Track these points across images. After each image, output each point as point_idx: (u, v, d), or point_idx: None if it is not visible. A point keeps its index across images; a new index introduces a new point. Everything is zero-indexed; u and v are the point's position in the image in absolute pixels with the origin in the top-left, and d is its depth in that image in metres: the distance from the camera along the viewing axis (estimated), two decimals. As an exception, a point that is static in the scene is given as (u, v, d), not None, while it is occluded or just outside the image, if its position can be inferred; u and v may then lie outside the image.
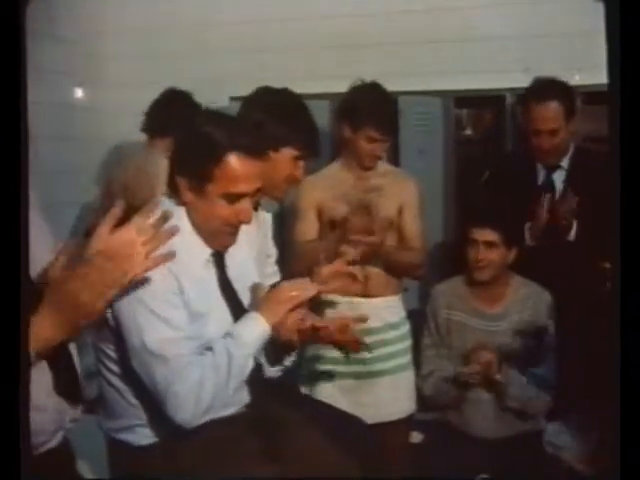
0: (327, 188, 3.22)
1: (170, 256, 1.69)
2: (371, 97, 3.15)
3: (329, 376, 3.22)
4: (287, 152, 2.60)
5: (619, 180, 1.83)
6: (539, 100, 3.32)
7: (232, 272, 2.25)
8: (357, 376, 3.21)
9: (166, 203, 2.14)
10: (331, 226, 3.19)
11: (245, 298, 2.27)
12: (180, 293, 2.04)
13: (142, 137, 3.70)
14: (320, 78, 4.00)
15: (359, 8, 4.09)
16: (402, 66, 4.00)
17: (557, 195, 3.44)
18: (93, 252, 1.60)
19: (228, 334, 2.12)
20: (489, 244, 3.11)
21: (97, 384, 2.19)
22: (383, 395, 3.21)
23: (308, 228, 3.22)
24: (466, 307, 3.20)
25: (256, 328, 2.12)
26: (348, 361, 3.17)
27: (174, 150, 2.15)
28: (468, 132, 4.26)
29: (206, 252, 2.18)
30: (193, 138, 2.11)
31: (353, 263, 3.07)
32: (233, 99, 3.96)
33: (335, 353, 3.16)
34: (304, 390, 3.25)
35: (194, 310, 2.07)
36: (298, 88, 3.68)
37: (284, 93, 2.67)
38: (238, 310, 2.22)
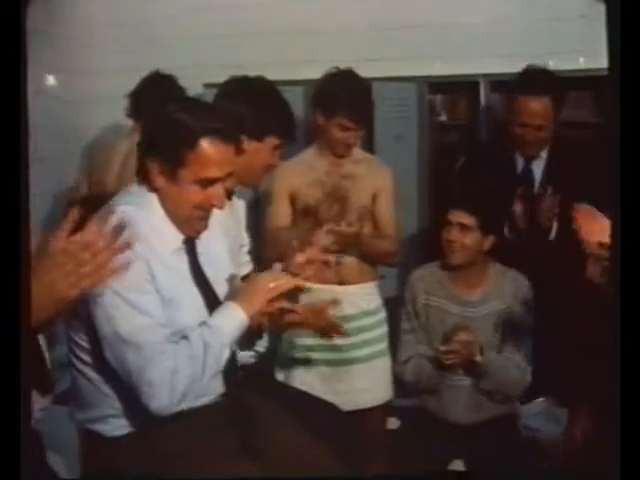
0: (301, 174, 3.20)
1: (127, 266, 1.75)
2: (344, 85, 3.12)
3: (305, 363, 3.21)
4: (269, 141, 2.59)
5: (619, 166, 1.85)
6: (529, 93, 3.27)
7: (204, 260, 2.23)
8: (333, 363, 3.20)
9: (136, 190, 2.12)
10: (305, 212, 3.18)
11: (217, 286, 2.24)
12: (151, 279, 2.02)
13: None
14: (293, 64, 3.97)
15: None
16: (376, 51, 3.97)
17: (536, 185, 3.44)
18: (53, 251, 1.63)
19: (205, 323, 2.10)
20: (463, 226, 3.09)
21: (69, 375, 2.17)
22: (359, 382, 3.20)
23: (281, 214, 3.21)
24: (444, 293, 3.19)
25: (234, 318, 2.11)
26: (323, 348, 3.18)
27: (145, 135, 2.12)
28: (443, 118, 4.25)
29: (178, 239, 2.15)
30: (166, 124, 2.08)
31: (327, 251, 3.08)
32: (207, 86, 3.93)
33: (310, 340, 3.19)
34: (280, 378, 3.24)
35: (166, 297, 2.05)
36: (272, 74, 3.69)
37: (260, 82, 2.64)
38: (211, 298, 2.20)
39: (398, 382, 3.26)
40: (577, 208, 2.58)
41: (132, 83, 3.71)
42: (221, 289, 2.25)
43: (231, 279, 2.28)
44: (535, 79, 3.30)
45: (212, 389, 2.15)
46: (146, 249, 2.01)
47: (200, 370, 2.04)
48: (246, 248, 2.86)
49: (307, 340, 3.20)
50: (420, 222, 4.09)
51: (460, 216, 3.10)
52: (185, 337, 2.06)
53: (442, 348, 3.03)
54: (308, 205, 3.17)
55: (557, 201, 3.20)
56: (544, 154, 3.42)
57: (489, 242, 3.14)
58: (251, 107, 2.55)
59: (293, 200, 3.21)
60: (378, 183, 3.24)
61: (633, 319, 1.81)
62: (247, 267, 2.86)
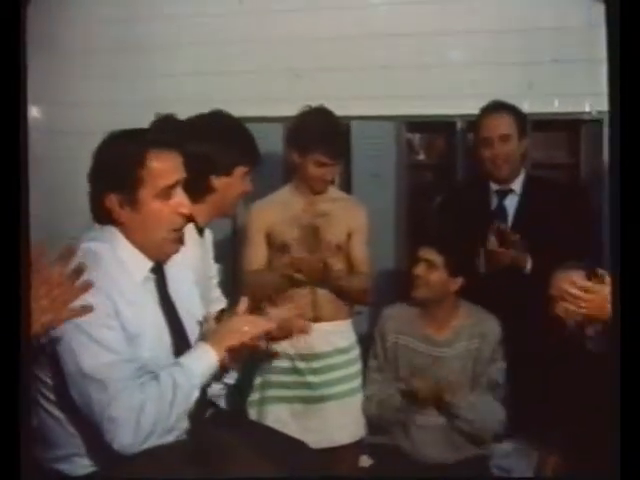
0: (277, 212, 3.23)
1: (86, 310, 1.79)
2: (318, 122, 3.16)
3: (278, 401, 3.22)
4: (239, 171, 2.63)
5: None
6: (491, 111, 3.43)
7: (173, 289, 2.25)
8: (305, 400, 3.22)
9: (97, 230, 2.15)
10: (280, 250, 3.20)
11: (185, 317, 2.25)
12: (116, 315, 2.03)
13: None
14: (272, 101, 4.02)
15: (313, 32, 4.11)
16: (354, 90, 4.01)
17: (510, 221, 3.48)
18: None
19: (176, 363, 2.12)
20: (430, 263, 3.12)
21: (35, 414, 2.16)
22: (331, 420, 3.21)
23: (257, 254, 3.23)
24: (414, 332, 3.21)
25: (205, 360, 2.12)
26: (296, 385, 3.21)
27: (94, 176, 2.15)
28: (420, 157, 4.28)
29: (146, 268, 2.17)
30: (108, 156, 2.14)
31: (300, 284, 3.12)
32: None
33: (284, 377, 3.21)
34: (253, 414, 3.24)
35: (131, 332, 2.06)
36: (250, 111, 3.74)
37: (219, 116, 2.68)
38: (178, 331, 2.21)
39: (368, 419, 3.26)
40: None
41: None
42: (189, 320, 2.26)
43: (206, 319, 2.29)
44: (496, 103, 3.45)
45: (178, 427, 2.15)
46: (110, 284, 2.03)
47: (167, 410, 2.04)
48: (215, 280, 2.88)
49: (281, 377, 3.22)
50: (396, 260, 4.11)
51: (428, 253, 3.14)
52: (155, 376, 2.06)
53: (407, 384, 3.06)
54: (283, 243, 3.20)
55: (518, 240, 3.22)
56: (517, 188, 3.46)
57: (457, 284, 3.16)
58: (214, 144, 2.58)
59: (269, 238, 3.24)
60: (353, 222, 3.27)
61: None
62: (219, 303, 2.87)
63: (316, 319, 3.17)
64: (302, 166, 3.18)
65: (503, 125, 3.40)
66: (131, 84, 4.41)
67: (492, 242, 3.23)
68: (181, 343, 2.21)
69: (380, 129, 4.07)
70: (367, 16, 4.05)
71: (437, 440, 3.16)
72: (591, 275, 2.54)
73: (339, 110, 3.76)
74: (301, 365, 3.20)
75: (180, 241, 2.21)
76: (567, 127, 3.92)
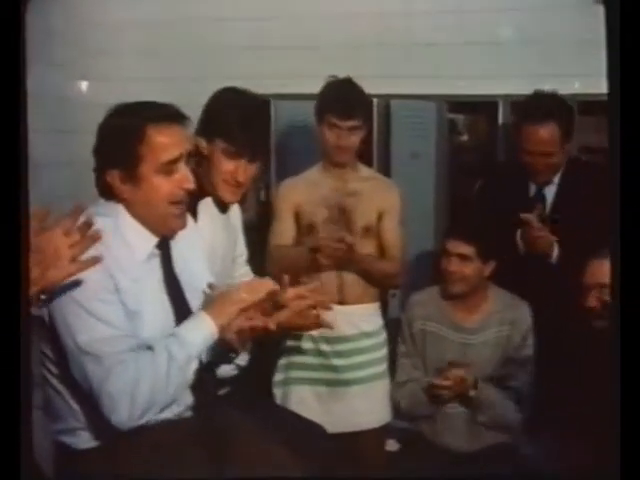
0: (306, 191, 3.17)
1: (95, 260, 1.76)
2: (334, 87, 3.11)
3: (302, 382, 3.18)
4: (218, 144, 2.55)
5: (619, 187, 1.81)
6: (535, 120, 3.19)
7: (179, 267, 2.21)
8: (330, 383, 3.17)
9: (102, 205, 2.12)
10: (309, 230, 3.15)
11: (191, 295, 2.22)
12: (115, 291, 2.01)
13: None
14: (310, 78, 3.95)
15: (356, 7, 4.04)
16: (394, 69, 3.94)
17: (548, 208, 3.37)
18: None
19: (172, 334, 2.08)
20: (463, 257, 3.04)
21: (41, 387, 2.16)
22: (355, 404, 3.16)
23: (285, 231, 3.18)
24: (442, 318, 3.13)
25: (202, 329, 2.08)
26: (322, 368, 3.17)
27: (97, 151, 2.13)
28: (462, 138, 4.19)
29: (151, 244, 2.14)
30: (109, 131, 2.11)
31: (326, 269, 3.06)
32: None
33: (310, 359, 3.17)
34: (278, 395, 3.21)
35: (130, 308, 2.04)
36: (286, 88, 3.69)
37: (240, 92, 2.63)
38: (182, 308, 2.18)
39: (394, 404, 3.21)
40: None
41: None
42: (194, 298, 2.22)
43: (210, 289, 2.24)
44: (540, 105, 3.23)
45: (180, 400, 2.12)
46: (111, 259, 2.00)
47: (163, 382, 2.01)
48: (242, 259, 2.84)
49: (305, 359, 3.18)
50: (436, 243, 4.02)
51: (458, 246, 3.05)
52: (150, 347, 2.04)
53: (435, 382, 2.97)
54: (312, 222, 3.14)
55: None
56: (556, 179, 3.35)
57: (489, 268, 3.08)
58: (211, 107, 2.57)
59: (298, 217, 3.19)
60: (384, 202, 3.19)
61: (633, 351, 1.77)
62: (246, 278, 2.83)
63: (342, 302, 3.13)
64: (321, 135, 3.11)
65: (547, 141, 3.19)
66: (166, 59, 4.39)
67: (526, 231, 3.13)
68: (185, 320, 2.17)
69: (421, 108, 3.98)
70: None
71: (460, 428, 3.09)
72: None
73: (378, 88, 3.73)
74: (325, 347, 3.15)
75: (184, 216, 2.17)
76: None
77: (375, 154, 4.00)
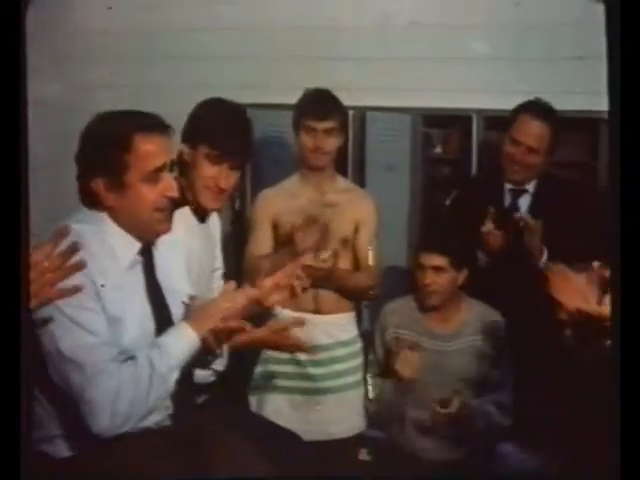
0: (283, 201, 3.20)
1: (75, 290, 1.79)
2: (309, 95, 3.18)
3: (278, 390, 3.20)
4: (201, 150, 2.56)
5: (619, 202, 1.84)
6: (534, 114, 3.29)
7: (161, 274, 2.22)
8: (305, 392, 3.19)
9: (85, 212, 2.14)
10: (285, 240, 3.17)
11: (172, 302, 2.23)
12: (97, 298, 2.01)
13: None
14: (286, 89, 3.99)
15: (334, 21, 4.08)
16: (370, 81, 3.98)
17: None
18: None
19: (154, 343, 2.09)
20: (437, 269, 3.08)
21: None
22: (330, 413, 3.18)
23: (261, 242, 3.21)
24: (416, 326, 3.16)
25: (184, 339, 2.08)
26: (298, 376, 3.18)
27: (81, 159, 2.13)
28: (436, 150, 4.24)
29: (133, 249, 2.15)
30: (94, 139, 2.11)
31: (303, 289, 3.07)
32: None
33: (285, 367, 3.19)
34: (253, 403, 3.23)
35: (112, 315, 2.04)
36: (265, 98, 3.71)
37: (226, 102, 2.66)
38: (164, 315, 2.18)
39: (369, 413, 3.24)
40: (553, 267, 2.56)
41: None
42: (177, 306, 2.23)
43: (188, 296, 2.26)
44: (543, 105, 3.33)
45: (160, 409, 2.13)
46: (93, 266, 2.00)
47: (145, 392, 2.01)
48: (219, 272, 2.86)
49: (281, 367, 3.20)
50: (409, 255, 4.06)
51: (432, 258, 3.09)
52: (132, 357, 2.04)
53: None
54: (289, 233, 3.16)
55: (540, 228, 3.19)
56: (531, 188, 3.41)
57: (462, 276, 3.13)
58: (195, 114, 2.61)
59: (275, 227, 3.21)
60: (361, 214, 3.23)
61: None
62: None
63: (317, 311, 3.17)
64: (298, 142, 3.16)
65: (536, 137, 3.28)
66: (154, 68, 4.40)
67: (488, 225, 3.18)
68: (166, 329, 2.16)
69: (395, 121, 4.03)
70: (386, 7, 4.01)
71: (435, 436, 3.12)
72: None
73: (354, 100, 3.77)
74: (301, 356, 3.17)
75: (169, 220, 2.18)
76: (587, 125, 3.84)
77: (350, 165, 4.03)
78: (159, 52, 4.33)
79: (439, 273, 3.08)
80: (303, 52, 4.09)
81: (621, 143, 1.90)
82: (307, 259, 2.96)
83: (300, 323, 2.55)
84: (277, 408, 3.16)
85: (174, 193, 2.15)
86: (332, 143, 3.17)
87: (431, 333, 3.16)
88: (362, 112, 4.03)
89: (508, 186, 3.43)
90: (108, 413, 1.97)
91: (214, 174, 2.57)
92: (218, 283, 2.84)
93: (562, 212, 3.29)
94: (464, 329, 3.15)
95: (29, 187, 1.75)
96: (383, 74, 4.01)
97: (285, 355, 3.16)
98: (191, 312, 2.17)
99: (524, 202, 3.42)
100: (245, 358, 3.32)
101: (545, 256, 3.18)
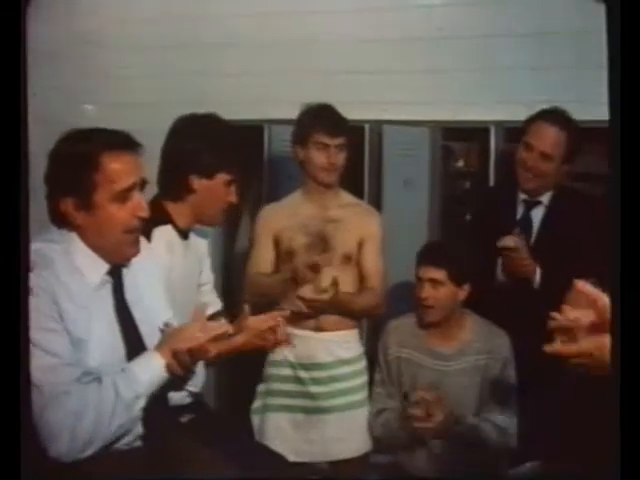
0: (286, 217, 3.16)
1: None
2: (314, 111, 3.12)
3: (280, 409, 3.14)
4: (220, 178, 2.58)
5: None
6: (551, 120, 3.19)
7: (131, 296, 2.19)
8: (307, 410, 3.13)
9: (53, 232, 2.12)
10: (287, 257, 3.13)
11: (144, 325, 2.18)
12: (60, 318, 1.99)
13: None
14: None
15: (352, 34, 4.04)
16: (386, 94, 3.92)
17: (534, 232, 3.32)
18: None
19: (122, 369, 2.06)
20: (434, 282, 2.99)
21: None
22: (332, 432, 3.11)
23: (263, 258, 3.17)
24: (417, 344, 3.07)
25: (153, 367, 2.06)
26: (299, 395, 3.13)
27: (49, 178, 2.11)
28: (459, 164, 4.13)
29: (102, 270, 2.12)
30: (62, 158, 2.09)
31: (306, 317, 3.04)
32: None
33: (287, 386, 3.15)
34: (255, 422, 3.18)
35: (77, 337, 2.01)
36: (283, 113, 3.68)
37: (211, 119, 2.64)
38: (133, 337, 2.15)
39: (374, 435, 3.15)
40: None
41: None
42: (148, 328, 2.18)
43: (164, 323, 2.21)
44: (561, 113, 3.23)
45: (127, 434, 2.10)
46: (58, 287, 1.99)
47: (107, 419, 1.99)
48: (208, 287, 2.82)
49: (283, 385, 3.15)
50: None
51: (429, 271, 3.00)
52: (97, 381, 2.01)
53: (407, 411, 2.91)
54: (291, 250, 3.12)
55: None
56: (545, 200, 3.29)
57: (464, 292, 3.02)
58: (199, 144, 2.56)
59: (277, 243, 3.17)
60: (365, 229, 3.16)
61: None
62: (214, 306, 2.82)
63: (318, 328, 3.11)
64: (306, 158, 3.10)
65: (550, 142, 3.17)
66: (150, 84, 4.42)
67: (506, 241, 3.07)
68: (138, 352, 2.13)
69: (413, 134, 3.95)
70: (404, 18, 3.95)
71: (443, 460, 3.02)
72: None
73: (370, 114, 3.72)
74: (302, 374, 3.12)
75: (138, 243, 2.15)
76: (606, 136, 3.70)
77: (366, 181, 3.97)
78: (167, 67, 4.34)
79: (437, 287, 2.99)
80: (318, 66, 4.05)
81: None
82: (306, 291, 2.94)
83: (284, 315, 2.56)
84: (278, 427, 3.12)
85: (144, 213, 2.13)
86: (342, 158, 3.13)
87: (432, 352, 3.06)
88: (379, 126, 3.96)
89: (522, 197, 3.33)
90: (67, 437, 1.95)
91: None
92: (208, 297, 2.81)
93: (574, 226, 3.18)
94: (467, 348, 3.05)
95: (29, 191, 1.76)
96: (400, 87, 3.94)
97: (286, 372, 3.13)
98: (162, 339, 2.13)
99: (537, 214, 3.31)
100: (248, 376, 3.30)
101: (538, 275, 3.07)
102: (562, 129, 3.18)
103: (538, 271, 3.08)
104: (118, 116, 4.49)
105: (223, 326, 2.16)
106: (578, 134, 3.24)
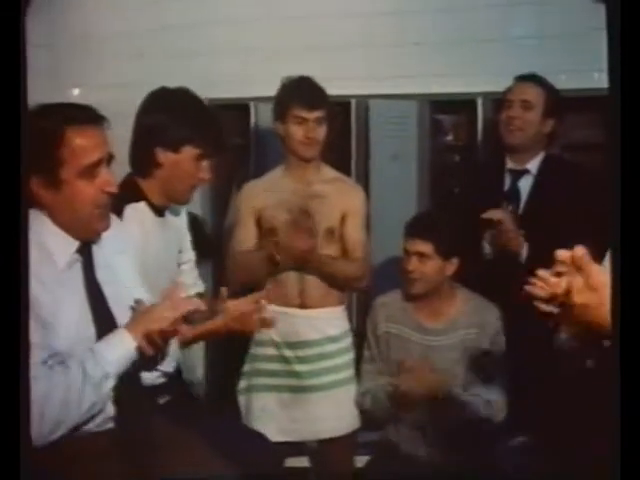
0: (267, 194, 3.10)
1: None
2: (291, 84, 3.07)
3: (266, 389, 3.10)
4: (187, 151, 2.51)
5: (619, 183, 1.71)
6: (522, 79, 3.28)
7: (102, 275, 2.13)
8: (293, 390, 3.08)
9: None
10: (270, 234, 3.07)
11: (116, 305, 2.13)
12: None
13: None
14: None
15: (335, 9, 3.97)
16: (370, 69, 3.85)
17: (522, 203, 3.27)
18: None
19: (89, 349, 2.01)
20: (420, 255, 2.93)
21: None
22: (319, 411, 3.06)
23: (246, 236, 3.11)
24: (406, 320, 3.02)
25: (120, 346, 2.00)
26: (285, 374, 3.08)
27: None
28: (443, 137, 4.06)
29: (71, 249, 2.07)
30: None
31: (285, 269, 2.98)
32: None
33: (272, 365, 3.11)
34: (241, 402, 3.14)
35: (44, 318, 1.96)
36: (270, 91, 3.63)
37: (181, 92, 2.58)
38: (105, 318, 2.09)
39: (362, 413, 3.10)
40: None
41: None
42: (120, 308, 2.12)
43: (135, 301, 2.16)
44: (535, 76, 3.29)
45: (98, 415, 2.05)
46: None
47: (76, 399, 1.94)
48: (189, 265, 2.77)
49: (268, 365, 3.10)
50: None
51: (415, 244, 2.94)
52: (64, 363, 1.97)
53: (393, 381, 2.87)
54: (273, 226, 3.06)
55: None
56: (533, 169, 3.24)
57: (452, 266, 2.97)
58: (164, 117, 2.50)
59: (259, 221, 3.11)
60: (348, 204, 3.10)
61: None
62: (194, 288, 2.78)
63: (304, 305, 3.06)
64: (286, 133, 3.04)
65: (528, 93, 3.23)
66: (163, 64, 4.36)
67: (491, 213, 3.04)
68: (109, 332, 2.07)
69: (401, 109, 3.88)
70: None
71: (431, 435, 2.98)
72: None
73: (355, 89, 3.66)
74: (287, 353, 3.07)
75: (107, 217, 2.10)
76: (594, 105, 3.63)
77: (354, 156, 3.91)
78: (160, 49, 4.27)
79: (423, 260, 2.93)
80: (305, 41, 3.98)
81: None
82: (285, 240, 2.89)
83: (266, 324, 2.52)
84: (264, 407, 3.07)
85: (113, 188, 2.08)
86: (322, 132, 3.06)
87: (421, 327, 3.01)
88: (365, 101, 3.89)
89: (509, 166, 3.28)
90: (35, 420, 1.89)
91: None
92: (189, 277, 2.77)
93: (564, 196, 3.13)
94: (456, 323, 2.99)
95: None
96: (387, 61, 3.87)
97: (271, 352, 3.09)
98: (132, 318, 2.08)
99: (525, 185, 3.26)
100: (233, 356, 3.27)
101: (525, 250, 3.02)
102: (537, 84, 3.25)
103: (525, 245, 3.04)
104: (104, 98, 4.48)
105: (193, 302, 2.12)
106: (556, 92, 3.27)
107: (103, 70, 4.47)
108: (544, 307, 1.81)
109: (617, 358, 1.64)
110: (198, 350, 3.60)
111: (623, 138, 1.70)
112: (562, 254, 1.76)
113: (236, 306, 2.43)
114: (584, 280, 1.71)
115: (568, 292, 1.70)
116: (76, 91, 4.67)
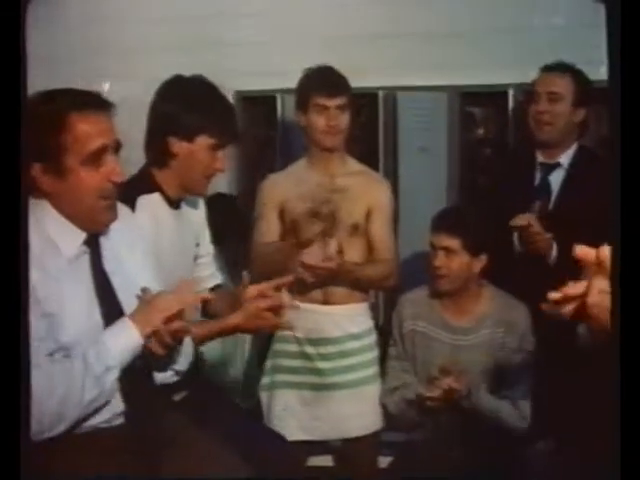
0: (291, 186, 3.03)
1: None
2: (311, 73, 3.01)
3: (288, 386, 3.03)
4: (202, 141, 2.45)
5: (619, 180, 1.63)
6: (549, 69, 3.18)
7: (111, 266, 2.07)
8: (315, 387, 3.02)
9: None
10: (292, 228, 3.00)
11: (125, 297, 2.06)
12: (30, 291, 1.89)
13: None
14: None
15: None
16: (400, 60, 3.76)
17: (553, 198, 3.17)
18: None
19: (93, 341, 1.95)
20: (447, 250, 2.85)
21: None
22: (341, 409, 3.00)
23: (269, 228, 3.04)
24: (432, 318, 2.94)
25: (124, 337, 1.94)
26: (307, 371, 3.02)
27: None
28: (478, 131, 3.94)
29: (78, 240, 2.01)
30: (30, 121, 1.97)
31: (310, 287, 2.92)
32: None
33: (295, 362, 3.03)
34: (263, 399, 3.08)
35: (48, 310, 1.91)
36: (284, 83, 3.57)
37: (196, 81, 2.52)
38: (113, 311, 2.02)
39: (387, 411, 3.02)
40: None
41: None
42: (129, 301, 2.04)
43: (141, 289, 2.06)
44: (563, 64, 3.18)
45: (109, 407, 2.00)
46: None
47: (78, 393, 1.88)
48: (207, 259, 2.71)
49: (290, 362, 3.04)
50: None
51: (442, 239, 2.86)
52: (66, 355, 1.91)
53: (425, 394, 2.78)
54: (295, 220, 2.99)
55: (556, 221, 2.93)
56: (565, 162, 3.14)
57: (480, 263, 2.87)
58: (177, 105, 2.45)
59: (282, 213, 3.04)
60: (373, 198, 3.02)
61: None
62: (213, 280, 2.72)
63: (326, 301, 2.99)
64: (308, 123, 2.98)
65: (555, 84, 3.13)
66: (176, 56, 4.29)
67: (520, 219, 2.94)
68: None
69: (430, 100, 3.79)
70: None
71: (458, 440, 2.89)
72: None
73: (383, 81, 3.59)
74: (309, 350, 3.00)
75: (114, 208, 2.04)
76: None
77: (381, 149, 3.82)
78: (187, 40, 4.21)
79: (450, 256, 2.85)
80: (331, 32, 3.88)
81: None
82: (310, 258, 2.81)
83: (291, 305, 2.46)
84: (286, 404, 3.01)
85: (119, 178, 2.01)
86: (345, 120, 2.99)
87: (448, 326, 2.93)
88: (393, 93, 3.80)
89: (540, 159, 3.18)
90: (36, 415, 1.84)
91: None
92: (207, 270, 2.70)
93: (598, 191, 3.01)
94: (484, 321, 2.90)
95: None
96: (415, 52, 3.77)
97: (293, 348, 3.02)
98: (136, 308, 2.01)
99: (556, 178, 3.15)
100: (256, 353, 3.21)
101: (554, 252, 2.92)
102: (565, 72, 3.14)
103: (554, 246, 2.94)
104: (130, 89, 4.44)
105: (201, 296, 2.06)
106: (585, 80, 3.16)
107: (126, 63, 4.40)
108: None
109: (617, 358, 1.58)
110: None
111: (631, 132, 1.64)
112: (585, 252, 1.68)
113: (254, 302, 2.34)
114: (604, 281, 1.61)
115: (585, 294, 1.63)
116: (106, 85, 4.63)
